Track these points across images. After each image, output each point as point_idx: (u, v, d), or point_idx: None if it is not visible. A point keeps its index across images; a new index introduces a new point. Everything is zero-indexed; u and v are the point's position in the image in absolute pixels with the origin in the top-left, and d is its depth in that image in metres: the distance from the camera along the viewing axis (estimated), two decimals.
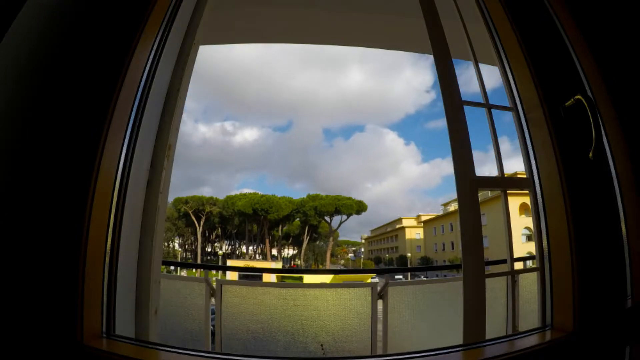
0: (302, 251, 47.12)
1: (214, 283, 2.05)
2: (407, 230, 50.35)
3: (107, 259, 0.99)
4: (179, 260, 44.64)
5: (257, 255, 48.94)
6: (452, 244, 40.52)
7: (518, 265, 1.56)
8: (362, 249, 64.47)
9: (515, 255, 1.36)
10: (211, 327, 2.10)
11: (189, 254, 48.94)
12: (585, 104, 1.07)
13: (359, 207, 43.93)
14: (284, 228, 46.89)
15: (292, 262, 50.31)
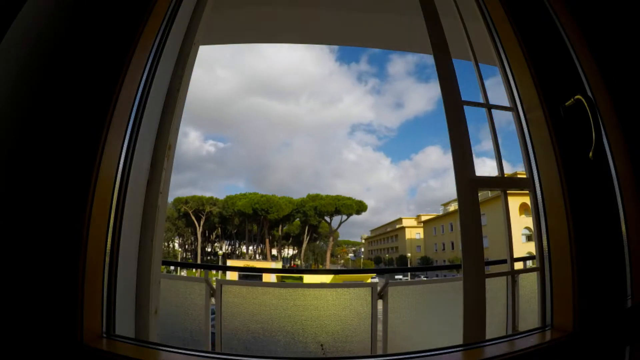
0: (302, 251, 47.10)
1: (214, 283, 2.05)
2: (407, 230, 50.33)
3: (107, 259, 0.99)
4: (179, 260, 44.61)
5: (257, 255, 48.92)
6: (452, 244, 40.49)
7: (518, 265, 1.56)
8: (362, 249, 64.47)
9: (515, 255, 1.36)
10: (211, 327, 2.10)
11: (189, 254, 48.91)
12: (585, 104, 1.07)
13: (359, 207, 43.93)
14: (284, 228, 46.87)
15: (292, 262, 50.29)
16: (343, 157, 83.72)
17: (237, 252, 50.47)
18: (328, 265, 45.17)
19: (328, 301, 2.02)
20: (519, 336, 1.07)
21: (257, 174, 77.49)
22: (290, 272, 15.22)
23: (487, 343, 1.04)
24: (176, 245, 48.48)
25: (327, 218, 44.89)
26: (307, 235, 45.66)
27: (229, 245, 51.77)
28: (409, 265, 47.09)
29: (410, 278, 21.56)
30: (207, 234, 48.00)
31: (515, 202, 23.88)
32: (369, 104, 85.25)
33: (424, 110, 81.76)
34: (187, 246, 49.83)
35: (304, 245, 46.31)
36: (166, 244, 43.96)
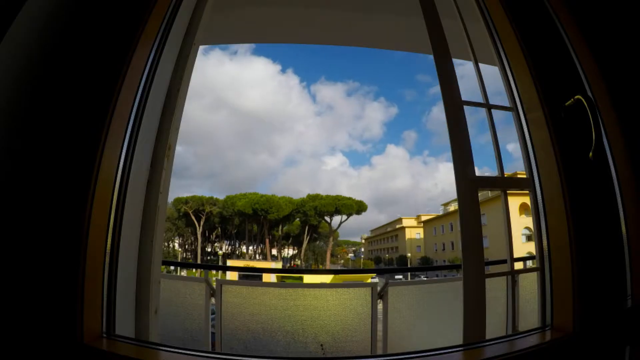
0: (302, 251, 47.08)
1: (214, 283, 2.05)
2: (407, 230, 50.31)
3: (107, 259, 0.99)
4: (179, 260, 44.59)
5: (257, 255, 48.90)
6: (452, 244, 40.46)
7: (518, 265, 1.56)
8: (362, 249, 64.47)
9: (515, 255, 1.36)
10: (211, 327, 2.10)
11: (189, 254, 48.90)
12: (585, 104, 1.07)
13: (359, 207, 43.93)
14: (284, 228, 46.85)
15: (292, 262, 50.27)
16: (303, 162, 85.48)
17: (237, 252, 50.43)
18: (328, 265, 45.14)
19: (328, 301, 2.02)
20: (519, 336, 1.07)
21: (218, 179, 77.81)
22: (290, 272, 15.23)
23: (487, 343, 1.04)
24: (176, 245, 48.47)
25: (327, 218, 44.90)
26: (307, 235, 45.64)
27: (229, 245, 51.76)
28: (409, 265, 47.07)
29: (410, 278, 21.55)
30: (207, 234, 47.99)
31: (515, 202, 23.87)
32: (323, 121, 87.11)
33: (381, 121, 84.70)
34: (187, 246, 49.82)
35: (304, 245, 46.29)
36: (166, 244, 43.94)
